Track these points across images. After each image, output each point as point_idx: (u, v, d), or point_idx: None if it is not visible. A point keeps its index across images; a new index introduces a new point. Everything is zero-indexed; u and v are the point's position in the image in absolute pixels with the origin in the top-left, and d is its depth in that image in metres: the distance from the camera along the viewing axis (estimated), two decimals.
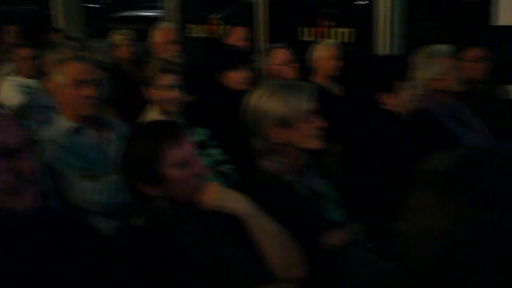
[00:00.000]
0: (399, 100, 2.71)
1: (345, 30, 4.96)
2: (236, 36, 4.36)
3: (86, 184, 2.39)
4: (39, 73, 4.07)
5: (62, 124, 2.55)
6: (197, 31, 5.95)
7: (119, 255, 1.58)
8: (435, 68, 3.03)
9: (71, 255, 1.45)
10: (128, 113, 3.55)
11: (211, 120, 3.07)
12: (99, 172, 2.45)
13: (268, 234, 1.77)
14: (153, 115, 2.87)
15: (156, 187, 1.73)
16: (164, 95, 2.85)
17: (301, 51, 4.01)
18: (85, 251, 1.49)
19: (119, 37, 4.95)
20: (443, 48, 3.14)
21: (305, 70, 3.92)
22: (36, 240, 1.42)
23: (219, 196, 1.76)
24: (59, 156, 2.40)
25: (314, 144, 2.08)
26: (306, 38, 5.11)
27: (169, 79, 2.85)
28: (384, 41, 4.53)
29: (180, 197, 1.76)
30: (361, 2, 5.38)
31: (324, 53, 3.93)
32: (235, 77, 3.38)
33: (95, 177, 2.42)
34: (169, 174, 1.71)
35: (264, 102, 2.06)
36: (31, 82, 4.06)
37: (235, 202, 1.77)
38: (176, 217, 1.76)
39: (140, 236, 1.71)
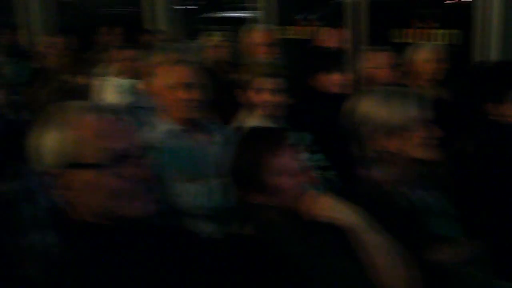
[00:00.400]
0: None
1: (445, 31, 4.76)
2: (331, 38, 4.28)
3: (188, 187, 2.41)
4: (140, 74, 4.18)
5: (165, 126, 2.58)
6: (291, 32, 5.92)
7: (228, 264, 1.58)
8: None
9: (184, 261, 1.46)
10: (221, 115, 3.57)
11: (311, 124, 3.02)
12: (201, 175, 2.47)
13: (378, 249, 1.70)
14: (253, 119, 2.86)
15: (263, 196, 1.71)
16: (266, 99, 2.83)
17: (398, 53, 3.88)
18: (197, 258, 1.50)
19: (213, 38, 5.01)
20: None
21: (403, 73, 3.79)
22: (149, 246, 1.44)
23: (329, 207, 1.71)
24: (161, 159, 2.43)
25: (423, 153, 2.00)
26: (403, 40, 4.95)
27: (272, 82, 2.83)
28: (488, 43, 4.31)
29: (287, 206, 1.72)
30: (462, 2, 5.14)
31: (423, 56, 3.79)
32: (331, 80, 3.31)
33: (197, 180, 2.44)
34: (277, 182, 1.69)
35: (371, 108, 2.00)
36: (132, 83, 4.18)
37: (346, 214, 1.71)
38: (283, 227, 1.73)
39: (248, 245, 1.69)
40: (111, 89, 4.12)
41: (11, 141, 2.53)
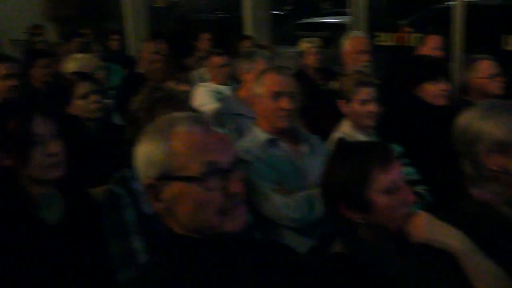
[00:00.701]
0: None
1: None
2: (431, 45, 4.09)
3: (279, 198, 2.35)
4: (231, 80, 4.20)
5: (258, 135, 2.55)
6: (385, 39, 5.75)
7: (319, 280, 1.51)
8: None
9: (274, 276, 1.41)
10: (315, 124, 3.49)
11: (404, 136, 2.88)
12: (293, 186, 2.41)
13: (487, 276, 1.56)
14: (346, 129, 2.77)
15: (360, 213, 1.63)
16: (360, 109, 2.75)
17: (505, 62, 3.64)
18: (288, 273, 1.44)
19: (306, 44, 4.94)
20: None
21: (510, 84, 3.55)
22: (241, 261, 1.39)
23: (431, 228, 1.60)
24: (253, 168, 2.39)
25: None
26: (510, 48, 4.65)
27: (366, 92, 2.74)
28: None
29: (386, 225, 1.63)
30: None
31: None
32: (432, 90, 3.15)
33: (289, 191, 2.38)
34: (376, 200, 1.61)
35: (480, 123, 1.84)
36: (223, 89, 4.20)
37: (450, 237, 1.59)
38: (380, 247, 1.64)
39: (340, 263, 1.62)
40: (205, 95, 4.15)
41: (113, 145, 2.59)
